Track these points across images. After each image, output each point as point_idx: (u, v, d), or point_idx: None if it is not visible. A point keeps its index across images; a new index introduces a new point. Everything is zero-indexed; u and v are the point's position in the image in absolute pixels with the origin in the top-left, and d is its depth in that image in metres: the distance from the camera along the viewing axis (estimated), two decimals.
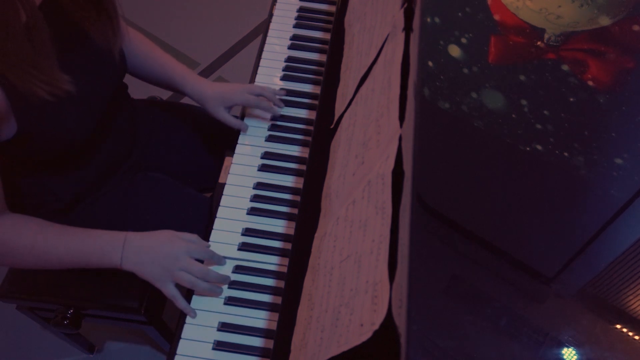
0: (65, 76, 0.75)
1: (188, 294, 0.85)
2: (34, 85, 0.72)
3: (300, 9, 1.22)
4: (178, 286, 0.82)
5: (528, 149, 0.59)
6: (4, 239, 0.79)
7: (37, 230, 0.81)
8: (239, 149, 1.01)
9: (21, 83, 0.71)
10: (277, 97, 1.03)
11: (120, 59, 0.92)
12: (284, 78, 1.11)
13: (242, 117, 1.05)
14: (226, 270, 0.87)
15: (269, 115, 1.03)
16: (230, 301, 0.83)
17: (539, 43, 0.69)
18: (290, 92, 1.08)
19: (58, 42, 0.78)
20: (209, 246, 0.87)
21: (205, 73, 2.03)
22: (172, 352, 0.79)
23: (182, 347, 0.80)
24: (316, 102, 1.06)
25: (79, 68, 0.82)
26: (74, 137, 0.85)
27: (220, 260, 0.86)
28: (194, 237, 0.85)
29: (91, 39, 0.85)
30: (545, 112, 0.62)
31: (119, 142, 1.00)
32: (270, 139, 1.02)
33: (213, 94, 0.99)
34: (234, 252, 0.89)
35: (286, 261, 0.87)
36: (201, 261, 0.84)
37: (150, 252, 0.81)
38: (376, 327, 0.47)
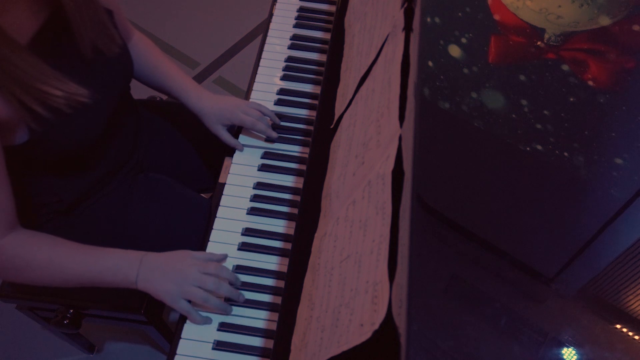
0: (82, 89, 0.76)
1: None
2: (49, 100, 0.73)
3: (300, 9, 1.22)
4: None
5: (528, 149, 0.59)
6: (21, 252, 0.78)
7: (52, 244, 0.80)
8: None
9: (32, 99, 0.72)
10: (274, 120, 1.02)
11: (128, 62, 0.92)
12: (284, 78, 1.11)
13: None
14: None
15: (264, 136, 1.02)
16: (230, 301, 0.83)
17: (539, 43, 0.69)
18: (290, 92, 1.09)
19: (69, 55, 0.79)
20: (224, 257, 0.87)
21: (205, 73, 2.03)
22: (172, 352, 0.79)
23: (182, 347, 0.80)
24: (316, 102, 1.06)
25: (93, 76, 0.83)
26: (83, 142, 0.85)
27: (236, 279, 0.84)
28: (208, 254, 0.85)
29: (99, 46, 0.85)
30: (545, 112, 0.62)
31: (123, 143, 1.00)
32: (270, 138, 1.02)
33: (211, 110, 0.99)
34: (234, 252, 0.89)
35: (286, 261, 0.87)
36: None
37: (161, 269, 0.80)
38: (376, 327, 0.47)
